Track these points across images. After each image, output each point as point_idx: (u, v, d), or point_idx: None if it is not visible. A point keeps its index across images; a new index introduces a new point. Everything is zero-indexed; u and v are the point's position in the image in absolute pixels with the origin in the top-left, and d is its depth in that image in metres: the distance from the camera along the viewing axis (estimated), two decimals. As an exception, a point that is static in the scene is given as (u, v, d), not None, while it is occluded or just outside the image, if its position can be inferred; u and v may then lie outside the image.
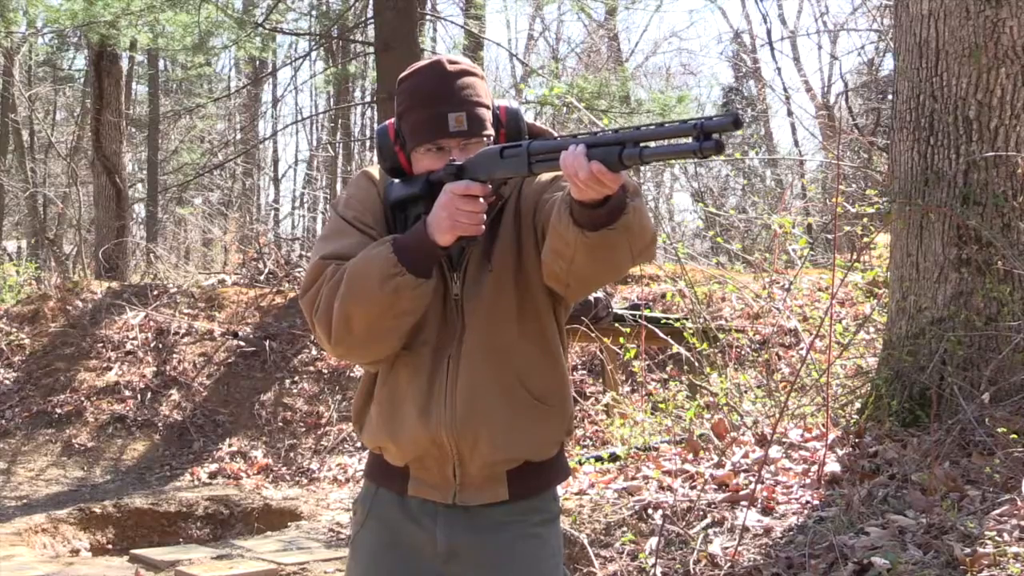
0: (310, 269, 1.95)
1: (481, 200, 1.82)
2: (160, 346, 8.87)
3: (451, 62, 1.95)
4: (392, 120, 2.01)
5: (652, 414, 5.78)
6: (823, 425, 4.39)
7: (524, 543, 1.97)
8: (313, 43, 16.35)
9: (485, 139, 1.93)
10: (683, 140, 1.64)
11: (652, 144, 1.66)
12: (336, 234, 1.96)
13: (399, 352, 1.95)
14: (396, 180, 1.99)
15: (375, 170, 2.07)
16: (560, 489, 4.57)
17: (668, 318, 6.82)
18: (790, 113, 18.58)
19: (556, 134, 1.96)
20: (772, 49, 21.40)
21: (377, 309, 1.85)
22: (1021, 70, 4.37)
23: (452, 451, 1.93)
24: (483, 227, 1.84)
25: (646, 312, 6.71)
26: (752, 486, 3.83)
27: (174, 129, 22.38)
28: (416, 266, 1.84)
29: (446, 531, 1.96)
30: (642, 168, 18.93)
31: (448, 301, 1.96)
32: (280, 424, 8.07)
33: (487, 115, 1.94)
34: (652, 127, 1.66)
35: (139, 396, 8.27)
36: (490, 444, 1.92)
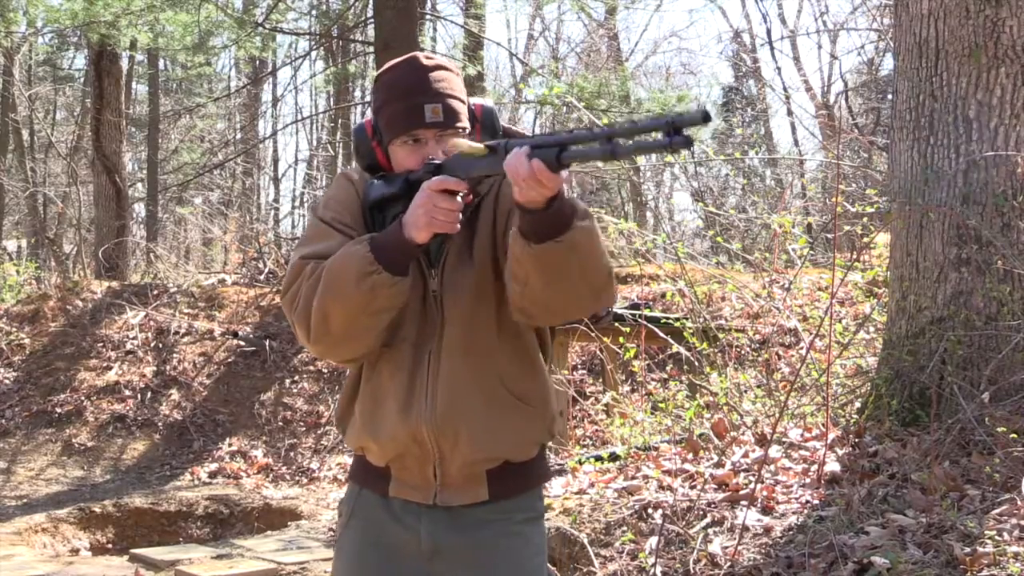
0: (290, 269, 1.97)
1: (459, 198, 1.84)
2: (160, 346, 8.88)
3: (427, 57, 1.99)
4: (369, 118, 2.03)
5: (652, 414, 5.78)
6: (823, 425, 4.38)
7: (507, 541, 1.98)
8: (313, 43, 16.36)
9: (460, 131, 1.95)
10: (653, 136, 1.64)
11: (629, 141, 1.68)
12: (316, 236, 1.98)
13: (381, 350, 1.96)
14: (376, 180, 2.00)
15: (354, 171, 2.09)
16: (559, 488, 4.58)
17: (668, 318, 6.82)
18: (790, 113, 18.55)
19: (531, 135, 1.96)
20: (772, 49, 21.42)
21: (354, 307, 1.86)
22: (1021, 70, 4.37)
23: (433, 449, 1.93)
24: (459, 225, 1.85)
25: (646, 312, 6.70)
26: (752, 486, 3.83)
27: (174, 129, 22.38)
28: (392, 264, 1.85)
29: (430, 530, 1.97)
30: (642, 168, 18.96)
31: (427, 297, 1.97)
32: (280, 424, 8.08)
33: (462, 108, 1.97)
34: (626, 124, 1.67)
35: (139, 396, 8.27)
36: (470, 442, 1.92)
